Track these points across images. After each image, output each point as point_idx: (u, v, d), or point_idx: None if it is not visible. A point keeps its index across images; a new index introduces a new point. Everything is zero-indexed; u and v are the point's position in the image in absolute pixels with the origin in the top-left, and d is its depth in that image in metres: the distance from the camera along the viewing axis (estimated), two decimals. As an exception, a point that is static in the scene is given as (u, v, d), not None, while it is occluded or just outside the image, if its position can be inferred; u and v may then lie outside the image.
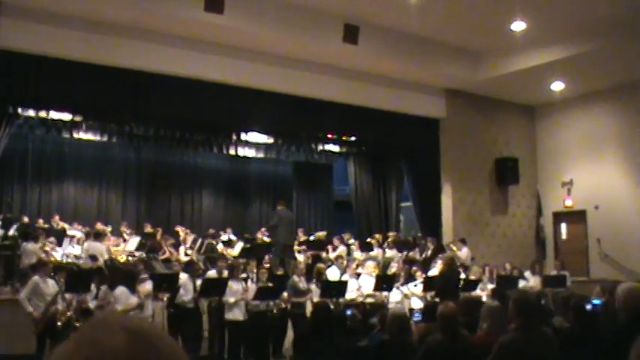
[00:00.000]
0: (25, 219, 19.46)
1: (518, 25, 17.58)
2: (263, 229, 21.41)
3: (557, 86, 21.23)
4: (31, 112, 17.73)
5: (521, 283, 17.37)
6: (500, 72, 19.87)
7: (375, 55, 18.26)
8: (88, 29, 15.57)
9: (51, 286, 12.14)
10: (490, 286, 16.02)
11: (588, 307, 9.66)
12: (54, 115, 18.33)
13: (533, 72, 19.40)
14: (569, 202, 22.68)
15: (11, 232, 18.10)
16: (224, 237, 20.56)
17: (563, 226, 23.16)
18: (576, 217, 22.49)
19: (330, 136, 21.47)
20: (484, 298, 13.40)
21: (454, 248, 19.17)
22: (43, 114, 18.06)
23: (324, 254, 19.27)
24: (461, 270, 16.63)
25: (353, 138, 21.62)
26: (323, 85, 18.72)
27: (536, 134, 23.88)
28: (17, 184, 22.33)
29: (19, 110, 16.92)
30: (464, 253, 19.20)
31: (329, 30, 17.14)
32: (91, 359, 1.11)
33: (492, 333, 6.85)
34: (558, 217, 23.25)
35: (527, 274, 18.81)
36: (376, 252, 19.59)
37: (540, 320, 6.29)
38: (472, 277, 16.56)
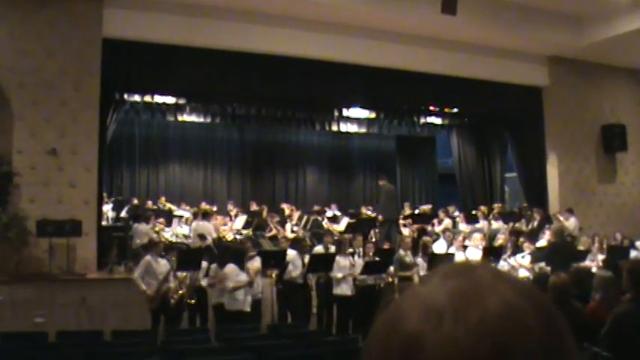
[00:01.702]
0: (135, 201, 20.06)
1: (622, -14, 17.04)
2: (372, 208, 21.32)
3: (666, 48, 20.42)
4: (136, 98, 18.18)
5: (633, 253, 16.95)
6: (604, 36, 19.23)
7: (474, 25, 18.00)
8: (186, 13, 15.86)
9: (162, 265, 12.43)
10: (600, 257, 15.73)
11: None
12: (158, 99, 18.75)
13: (639, 34, 18.72)
14: (681, 168, 21.97)
15: (123, 213, 18.68)
16: (329, 213, 20.68)
17: (676, 194, 22.44)
18: (689, 183, 21.77)
19: (432, 108, 21.33)
20: (594, 269, 13.17)
21: (561, 218, 18.83)
22: (147, 98, 18.50)
23: (429, 227, 19.21)
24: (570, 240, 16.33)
25: (455, 110, 21.44)
26: (423, 58, 18.57)
27: (644, 99, 23.17)
28: (126, 168, 23.04)
29: (125, 96, 17.34)
30: (571, 223, 18.84)
31: (427, 1, 16.97)
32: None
33: (605, 304, 6.74)
34: (670, 184, 22.51)
35: (638, 243, 18.36)
36: (482, 224, 19.39)
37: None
38: (581, 248, 16.28)
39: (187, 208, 20.24)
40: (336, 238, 15.56)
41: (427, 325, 0.86)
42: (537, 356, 0.84)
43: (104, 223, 16.85)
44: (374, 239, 17.67)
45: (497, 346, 0.83)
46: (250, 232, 17.80)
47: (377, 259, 14.48)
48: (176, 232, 17.80)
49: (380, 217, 19.26)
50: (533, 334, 0.85)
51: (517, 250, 15.72)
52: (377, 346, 0.91)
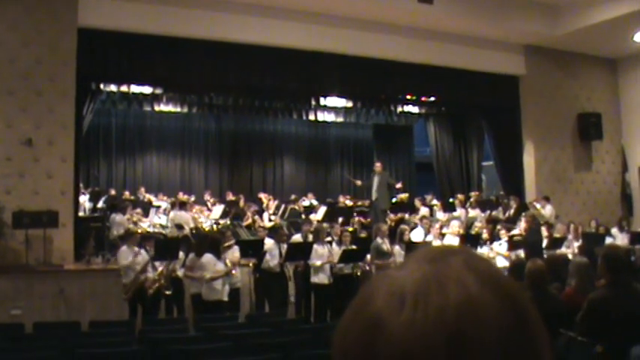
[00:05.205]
0: (112, 191, 19.99)
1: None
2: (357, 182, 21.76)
3: (640, 37, 20.52)
4: (112, 88, 18.05)
5: (608, 240, 17.07)
6: (579, 25, 19.29)
7: (451, 14, 18.01)
8: (163, 2, 15.77)
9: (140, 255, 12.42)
10: (575, 244, 15.85)
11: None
12: (135, 89, 18.64)
13: (615, 23, 18.71)
14: (656, 157, 22.08)
15: (99, 204, 18.60)
16: (306, 202, 20.70)
17: (651, 182, 22.56)
18: (664, 171, 21.87)
19: (409, 97, 21.32)
20: (570, 256, 13.27)
21: (537, 206, 18.92)
22: (124, 88, 18.38)
23: (406, 216, 19.25)
24: (544, 228, 16.39)
25: (432, 98, 21.43)
26: (400, 47, 18.56)
27: (619, 88, 23.22)
28: (103, 158, 22.95)
29: (102, 86, 17.25)
30: (548, 210, 18.94)
31: (404, -10, 17.02)
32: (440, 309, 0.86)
33: (580, 290, 6.81)
34: (645, 171, 22.61)
35: (614, 231, 18.49)
36: (459, 212, 19.46)
37: (630, 276, 6.21)
38: (557, 235, 16.39)
39: (164, 198, 20.21)
40: (314, 226, 15.56)
41: (389, 308, 0.89)
42: (495, 346, 0.86)
43: (81, 213, 16.75)
44: (351, 228, 17.68)
45: (452, 335, 0.85)
46: (228, 222, 17.79)
47: (354, 247, 14.53)
48: (153, 222, 17.75)
49: (372, 203, 19.38)
50: (492, 325, 0.87)
51: (494, 237, 15.82)
52: (344, 324, 0.94)
